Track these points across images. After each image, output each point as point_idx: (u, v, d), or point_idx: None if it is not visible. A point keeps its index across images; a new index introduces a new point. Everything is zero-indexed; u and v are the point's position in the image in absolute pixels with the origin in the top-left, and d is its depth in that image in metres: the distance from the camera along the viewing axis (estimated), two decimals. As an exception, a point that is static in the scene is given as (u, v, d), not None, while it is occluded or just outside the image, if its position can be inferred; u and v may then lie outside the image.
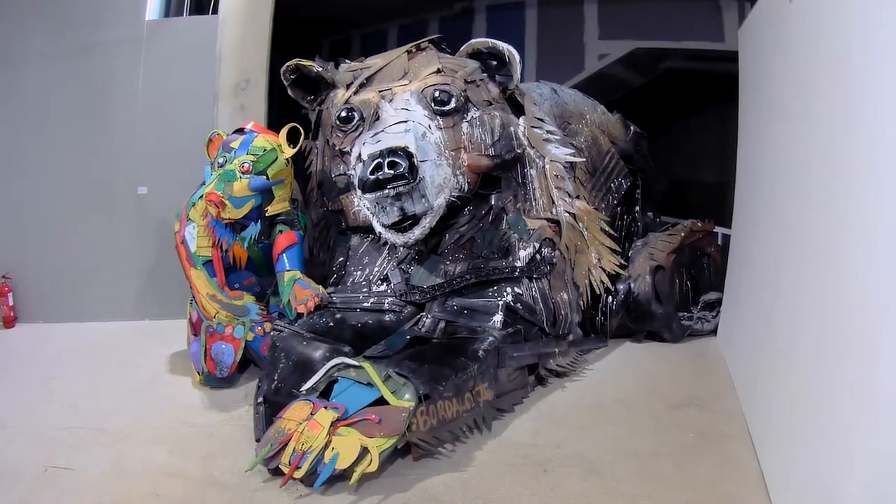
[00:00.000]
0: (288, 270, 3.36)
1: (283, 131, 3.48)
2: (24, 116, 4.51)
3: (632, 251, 4.15)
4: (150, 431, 2.82)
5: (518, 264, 3.29)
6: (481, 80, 3.37)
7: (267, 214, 3.44)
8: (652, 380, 3.39)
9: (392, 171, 2.83)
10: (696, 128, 6.34)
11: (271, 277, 3.58)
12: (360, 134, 3.17)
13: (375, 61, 3.49)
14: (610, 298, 3.85)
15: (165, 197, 4.29)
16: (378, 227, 3.10)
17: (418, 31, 6.17)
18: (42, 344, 4.17)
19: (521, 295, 3.25)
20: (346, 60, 3.65)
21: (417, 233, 3.07)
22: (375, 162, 2.85)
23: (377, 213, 3.02)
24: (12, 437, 2.78)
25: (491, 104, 3.34)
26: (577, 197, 3.63)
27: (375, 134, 3.04)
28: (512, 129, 3.37)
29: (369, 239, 3.49)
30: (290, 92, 3.57)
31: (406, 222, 3.03)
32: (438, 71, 3.31)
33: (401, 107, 3.17)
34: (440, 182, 3.07)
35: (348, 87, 3.40)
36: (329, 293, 3.33)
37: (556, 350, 3.36)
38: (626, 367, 3.60)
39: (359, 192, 2.99)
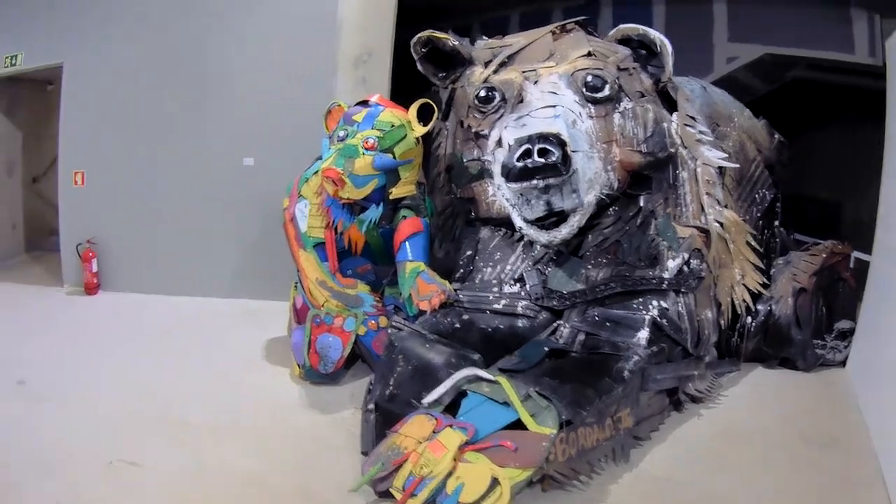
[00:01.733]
0: (410, 261, 3.05)
1: (414, 107, 3.14)
2: (128, 76, 4.39)
3: (773, 270, 3.78)
4: (234, 428, 2.50)
5: (666, 275, 2.97)
6: (634, 68, 3.05)
7: (391, 198, 3.11)
8: (785, 411, 3.14)
9: (542, 160, 2.54)
10: (819, 141, 6.00)
11: (389, 266, 3.31)
12: (501, 116, 2.91)
13: (516, 39, 3.20)
14: (749, 319, 3.51)
15: (274, 169, 4.08)
16: (518, 222, 2.81)
17: (540, 20, 5.94)
18: (124, 315, 4.03)
19: (668, 310, 2.94)
20: (484, 37, 3.34)
21: (564, 232, 2.77)
22: (524, 148, 2.55)
23: (519, 206, 2.73)
24: (76, 422, 2.51)
25: (643, 96, 3.03)
26: (726, 206, 3.30)
27: (520, 117, 2.77)
28: (665, 125, 3.05)
29: (502, 233, 3.21)
30: (419, 66, 3.29)
31: (551, 219, 2.74)
32: (589, 54, 3.00)
33: (548, 90, 2.87)
34: (591, 177, 2.78)
35: (486, 64, 3.13)
36: (455, 290, 3.03)
37: (696, 373, 3.06)
38: (759, 394, 3.31)
39: (499, 179, 2.71)
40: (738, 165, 3.45)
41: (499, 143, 2.80)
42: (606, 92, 2.88)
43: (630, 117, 2.94)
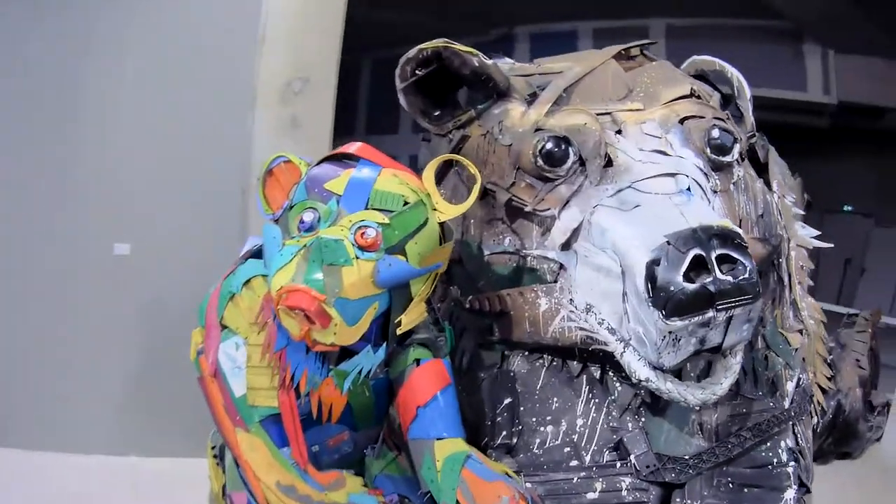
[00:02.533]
0: (442, 439, 1.83)
1: (431, 168, 1.88)
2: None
3: (831, 356, 3.21)
4: None
5: (786, 404, 2.20)
6: (728, 117, 2.20)
7: (399, 331, 1.85)
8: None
9: (731, 277, 1.58)
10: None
11: (374, 429, 2.10)
12: (580, 187, 1.90)
13: (563, 64, 2.18)
14: (814, 419, 2.91)
15: (163, 263, 2.80)
16: (642, 373, 1.78)
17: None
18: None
19: (794, 450, 2.17)
20: (507, 58, 2.32)
21: (727, 383, 1.83)
22: (692, 254, 1.56)
23: (657, 349, 1.68)
24: None
25: (742, 158, 2.20)
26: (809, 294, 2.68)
27: (619, 191, 1.83)
28: (768, 198, 2.27)
29: (546, 364, 2.11)
30: (403, 100, 2.15)
31: (694, 360, 1.77)
32: (692, 95, 2.10)
33: (652, 146, 1.92)
34: None
35: (529, 101, 2.07)
36: (514, 471, 1.91)
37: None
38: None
39: (642, 310, 1.65)
40: (832, 245, 2.78)
41: (575, 233, 1.84)
42: (735, 154, 2.00)
43: (742, 190, 2.08)
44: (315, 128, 2.71)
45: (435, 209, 1.83)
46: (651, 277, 1.59)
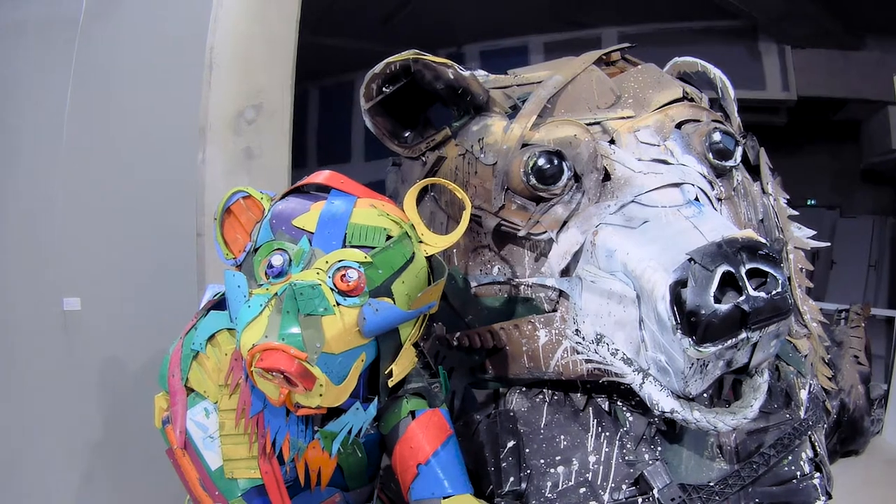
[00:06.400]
0: (449, 497, 1.61)
1: (412, 195, 1.68)
2: None
3: (829, 355, 3.02)
4: None
5: (803, 414, 2.09)
6: (726, 119, 2.10)
7: (391, 382, 1.64)
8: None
9: (764, 293, 1.41)
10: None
11: (365, 487, 1.85)
12: (578, 207, 1.73)
13: (542, 73, 2.00)
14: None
15: (119, 318, 2.45)
16: (665, 404, 1.60)
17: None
18: None
19: (815, 459, 2.03)
20: (480, 70, 2.10)
21: (756, 405, 1.66)
22: (721, 271, 1.39)
23: (684, 377, 1.51)
24: None
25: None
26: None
27: (622, 206, 1.67)
28: (765, 200, 2.16)
29: (547, 399, 1.94)
30: (368, 121, 1.95)
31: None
32: (685, 98, 1.96)
33: (651, 155, 1.76)
34: None
35: (510, 115, 1.89)
36: None
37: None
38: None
39: (676, 338, 1.44)
40: (829, 244, 2.73)
41: (575, 257, 1.67)
42: (738, 158, 1.86)
43: (742, 195, 1.95)
44: (272, 158, 2.41)
45: (421, 241, 1.62)
46: (677, 301, 1.41)
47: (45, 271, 2.67)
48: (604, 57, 2.05)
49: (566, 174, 1.70)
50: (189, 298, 2.11)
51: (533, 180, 1.70)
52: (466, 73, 1.85)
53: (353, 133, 7.86)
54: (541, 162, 1.70)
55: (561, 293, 1.73)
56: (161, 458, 1.71)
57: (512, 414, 1.93)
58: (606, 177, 1.71)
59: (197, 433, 1.61)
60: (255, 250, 1.56)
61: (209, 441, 1.60)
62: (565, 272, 1.71)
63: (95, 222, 2.64)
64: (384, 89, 1.87)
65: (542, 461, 1.85)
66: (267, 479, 1.59)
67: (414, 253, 1.57)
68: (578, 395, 1.89)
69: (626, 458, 1.82)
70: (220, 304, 1.75)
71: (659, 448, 1.86)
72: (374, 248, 1.51)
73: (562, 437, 1.88)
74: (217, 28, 2.53)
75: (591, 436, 1.89)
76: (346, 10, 5.49)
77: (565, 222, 1.71)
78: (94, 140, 2.60)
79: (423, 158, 2.02)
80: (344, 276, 1.45)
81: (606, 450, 1.86)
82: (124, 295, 2.51)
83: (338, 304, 1.44)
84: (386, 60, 1.83)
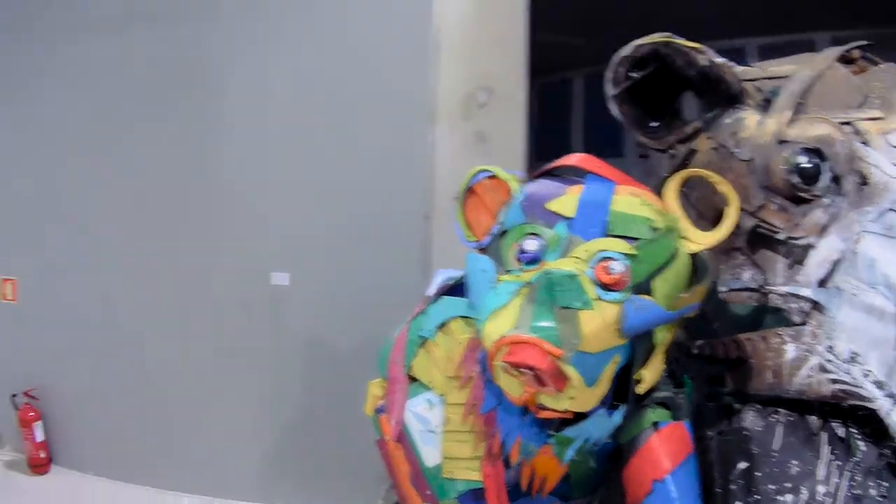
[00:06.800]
0: None
1: (675, 185, 1.49)
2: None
3: None
4: None
5: None
6: None
7: (640, 389, 1.45)
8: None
9: None
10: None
11: (585, 500, 1.70)
12: (839, 211, 1.63)
13: (788, 68, 1.87)
14: None
15: (326, 295, 2.53)
16: None
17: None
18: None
19: None
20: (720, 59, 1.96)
21: None
22: None
23: None
24: None
25: None
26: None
27: (881, 214, 1.57)
28: None
29: (784, 421, 1.79)
30: (615, 108, 1.81)
31: None
32: None
33: None
34: None
35: (764, 108, 1.77)
36: None
37: None
38: None
39: None
40: None
41: (836, 266, 1.55)
42: None
43: None
44: (505, 143, 2.33)
45: (684, 237, 1.44)
46: None
47: (255, 246, 2.76)
48: (845, 54, 1.86)
49: (827, 175, 1.60)
50: (411, 283, 2.07)
51: (796, 178, 1.60)
52: (721, 61, 1.72)
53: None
54: (801, 160, 1.60)
55: (814, 305, 1.59)
56: (359, 444, 1.66)
57: (746, 434, 1.77)
58: (864, 181, 1.59)
59: (415, 426, 1.54)
60: (504, 233, 1.45)
61: (428, 435, 1.53)
62: (822, 282, 1.58)
63: (313, 201, 2.70)
64: (631, 74, 1.76)
65: (771, 486, 1.70)
66: (488, 482, 1.49)
67: (677, 249, 1.41)
68: (814, 418, 1.73)
69: (854, 491, 1.66)
70: (453, 290, 1.66)
71: (885, 483, 1.67)
72: (637, 239, 1.36)
73: (794, 462, 1.72)
74: (443, 10, 2.49)
75: (823, 463, 1.73)
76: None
77: (826, 227, 1.60)
78: (315, 119, 2.65)
79: (671, 151, 1.88)
80: (607, 267, 1.31)
81: (836, 480, 1.70)
82: (339, 275, 2.53)
83: (598, 298, 1.29)
84: (635, 43, 1.72)
